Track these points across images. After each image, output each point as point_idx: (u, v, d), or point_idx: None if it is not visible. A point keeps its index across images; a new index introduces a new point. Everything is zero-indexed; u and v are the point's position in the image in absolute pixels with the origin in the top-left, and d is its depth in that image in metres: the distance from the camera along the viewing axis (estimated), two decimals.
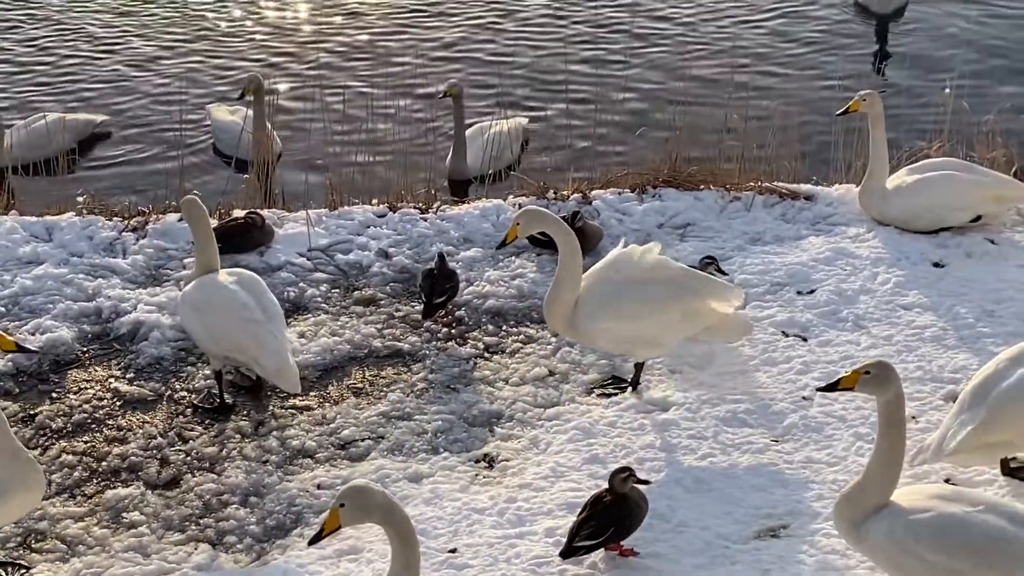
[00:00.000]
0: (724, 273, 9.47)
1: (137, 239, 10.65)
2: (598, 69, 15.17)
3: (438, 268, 9.60)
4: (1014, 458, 7.71)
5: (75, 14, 19.18)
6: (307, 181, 12.45)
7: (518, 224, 8.55)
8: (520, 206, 10.86)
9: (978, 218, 10.54)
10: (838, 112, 11.03)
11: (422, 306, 9.54)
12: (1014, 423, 7.25)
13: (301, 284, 10.15)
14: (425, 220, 10.91)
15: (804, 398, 8.56)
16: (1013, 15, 18.26)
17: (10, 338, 7.42)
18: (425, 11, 19.21)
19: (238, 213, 10.88)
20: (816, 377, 8.70)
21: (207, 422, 8.74)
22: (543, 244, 10.25)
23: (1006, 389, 7.29)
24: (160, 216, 10.98)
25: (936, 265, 10.19)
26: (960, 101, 12.46)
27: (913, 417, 8.22)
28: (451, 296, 9.61)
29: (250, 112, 13.87)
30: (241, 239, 10.40)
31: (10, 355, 9.06)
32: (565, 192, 11.27)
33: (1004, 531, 6.14)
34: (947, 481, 7.71)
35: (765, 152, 12.20)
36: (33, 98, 16.39)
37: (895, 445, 6.42)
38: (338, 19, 19.12)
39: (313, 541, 6.08)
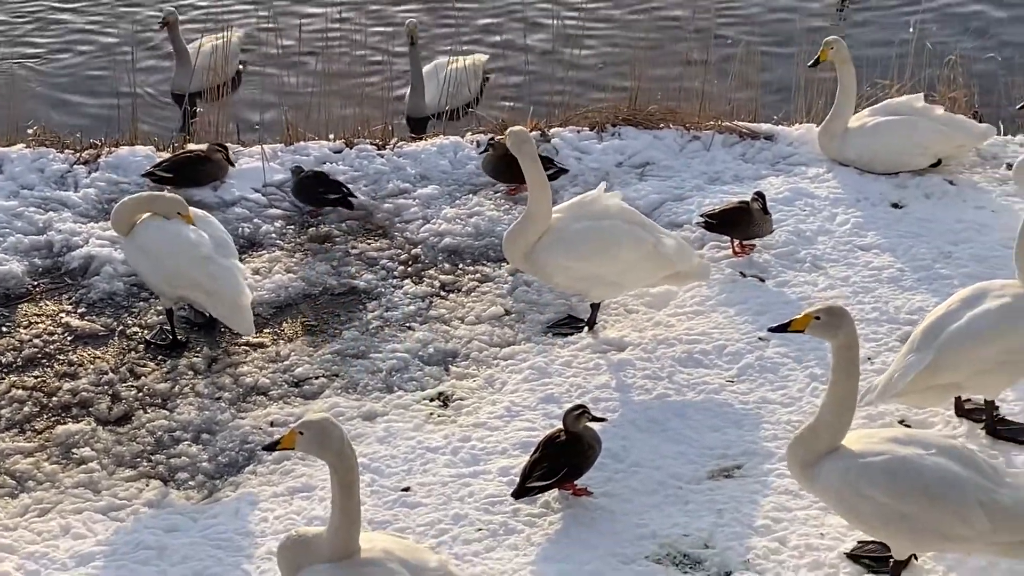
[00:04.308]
0: (768, 213, 9.38)
1: (89, 172, 10.51)
2: (558, 5, 14.98)
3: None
4: (968, 399, 7.73)
5: None
6: (263, 116, 12.31)
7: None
8: (479, 143, 10.78)
9: (938, 162, 10.51)
10: (809, 64, 10.95)
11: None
12: (962, 366, 7.23)
13: (256, 220, 10.05)
14: (382, 156, 10.79)
15: (760, 339, 8.54)
16: None
17: None
18: None
19: (192, 147, 10.74)
20: (772, 318, 8.63)
21: (159, 358, 8.67)
22: (505, 178, 10.15)
23: (955, 331, 7.25)
24: (113, 149, 10.82)
25: (895, 206, 10.16)
26: (923, 41, 12.41)
27: (869, 358, 8.21)
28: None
29: (201, 45, 13.79)
30: (194, 172, 10.27)
31: None
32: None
33: (956, 474, 6.14)
34: (902, 422, 7.72)
35: (725, 91, 12.12)
36: None
37: (848, 388, 6.39)
38: None
39: (267, 448, 6.19)
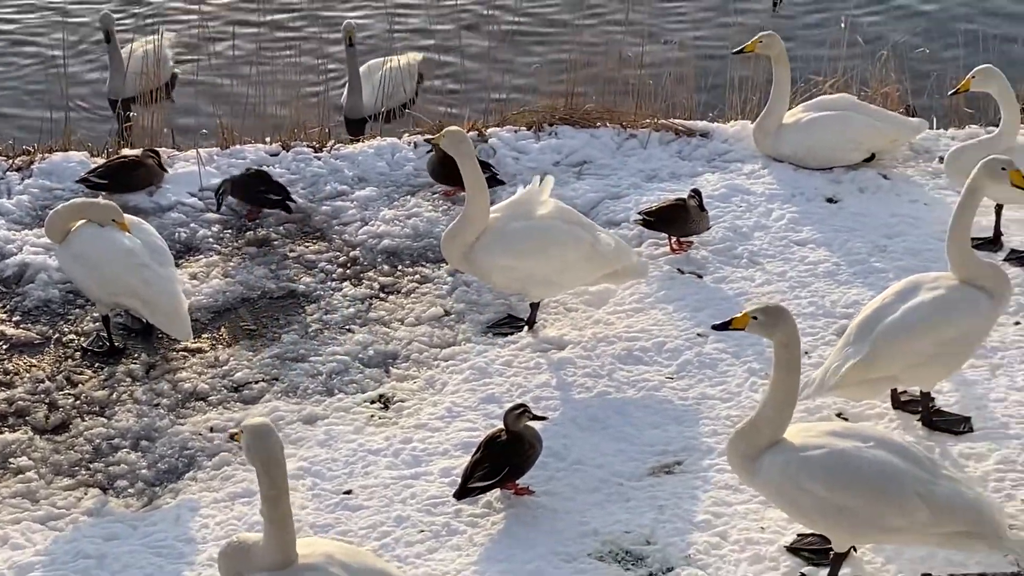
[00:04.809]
0: (705, 210, 9.42)
1: (22, 179, 10.41)
2: (494, 7, 14.97)
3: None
4: (904, 391, 7.80)
5: None
6: (198, 120, 12.23)
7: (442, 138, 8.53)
8: (416, 144, 10.77)
9: (872, 156, 10.60)
10: (734, 51, 11.01)
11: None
12: (896, 359, 7.30)
13: (192, 225, 9.99)
14: (319, 159, 10.76)
15: (699, 335, 8.58)
16: None
17: None
18: None
19: (127, 152, 10.66)
20: (711, 314, 8.71)
21: (97, 365, 8.59)
22: (449, 180, 10.12)
23: (890, 324, 7.32)
24: (46, 155, 10.72)
25: (830, 201, 10.24)
26: (855, 36, 12.52)
27: (806, 352, 8.26)
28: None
29: (132, 50, 13.70)
30: (128, 178, 10.19)
31: None
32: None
33: (894, 466, 6.20)
34: (839, 416, 7.79)
35: (661, 89, 12.17)
36: None
37: (789, 384, 6.43)
38: None
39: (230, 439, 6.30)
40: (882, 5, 16.02)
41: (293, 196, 10.08)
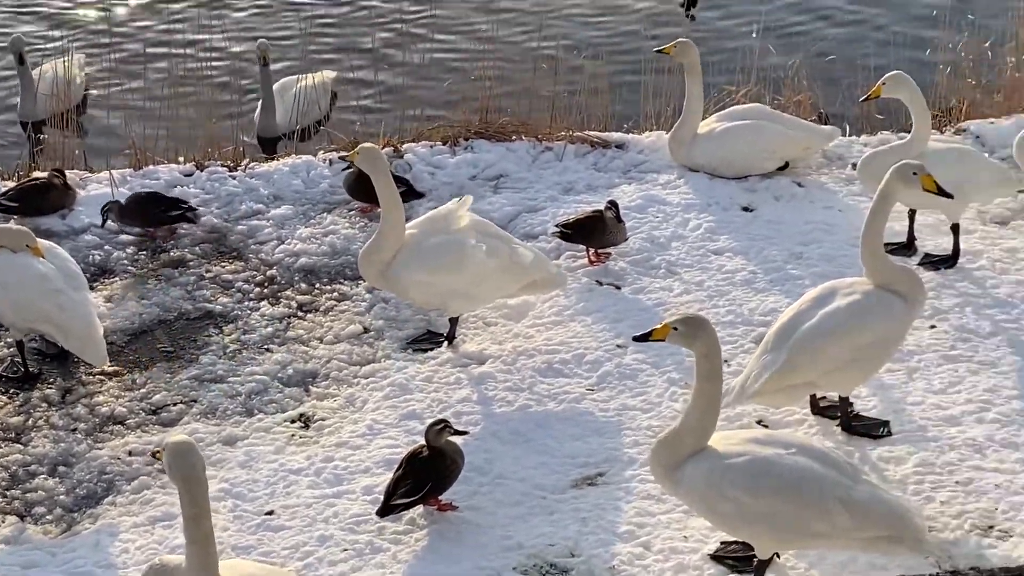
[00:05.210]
0: (622, 221, 9.45)
1: None
2: (405, 19, 14.91)
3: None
4: (823, 397, 7.87)
5: None
6: (110, 140, 12.09)
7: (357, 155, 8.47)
8: (331, 162, 10.73)
9: (786, 165, 10.69)
10: (655, 49, 11.03)
11: None
12: (814, 365, 7.35)
13: (106, 247, 9.87)
14: (234, 178, 10.66)
15: (618, 346, 8.61)
16: None
17: None
18: None
19: (38, 174, 10.52)
20: (630, 325, 8.73)
21: (11, 391, 8.46)
22: (363, 197, 10.06)
23: (807, 330, 7.37)
24: None
25: (746, 209, 10.31)
26: (767, 45, 12.63)
27: (726, 361, 8.25)
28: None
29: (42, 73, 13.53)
30: (39, 200, 10.05)
31: None
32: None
33: (815, 472, 6.25)
34: (760, 423, 7.83)
35: (576, 101, 12.20)
36: None
37: (711, 392, 6.45)
38: None
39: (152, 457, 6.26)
40: (794, 15, 16.17)
41: (207, 214, 9.97)
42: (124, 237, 9.95)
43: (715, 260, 9.57)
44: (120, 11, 16.67)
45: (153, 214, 9.92)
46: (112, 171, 10.65)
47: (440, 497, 7.17)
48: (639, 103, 12.36)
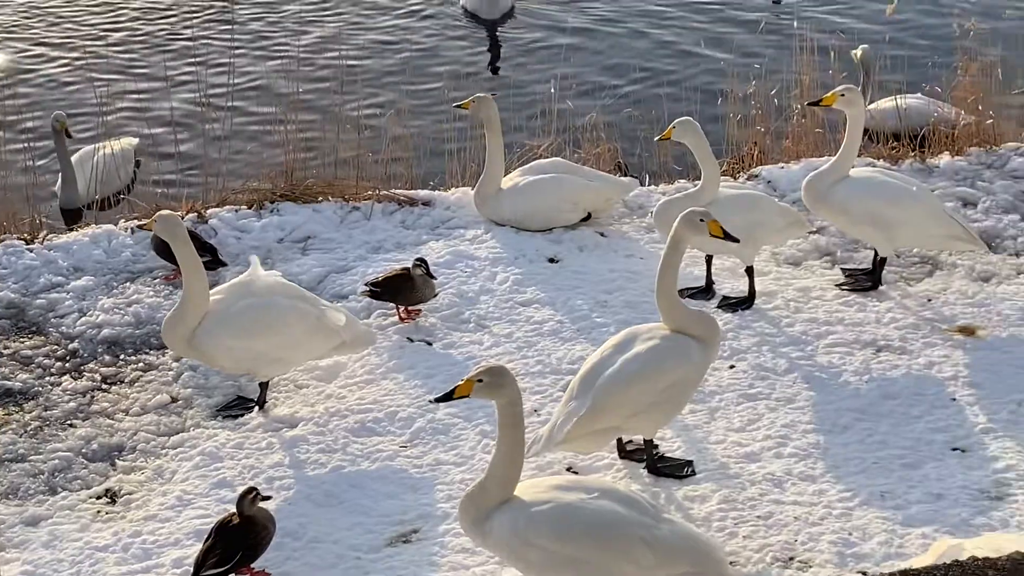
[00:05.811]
0: (433, 277, 9.49)
1: None
2: (200, 83, 14.75)
3: None
4: (630, 441, 8.00)
5: None
6: None
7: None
8: (132, 230, 10.59)
9: (588, 216, 10.88)
10: (455, 104, 11.13)
11: None
12: (618, 409, 7.48)
13: None
14: (31, 251, 10.44)
15: (430, 402, 8.63)
16: (610, 17, 18.90)
17: None
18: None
19: None
20: (442, 380, 8.78)
21: None
22: (172, 259, 9.90)
23: (608, 377, 7.50)
24: None
25: (551, 260, 10.46)
26: (565, 100, 12.85)
27: (535, 410, 8.42)
28: None
29: None
30: None
31: None
32: (180, 213, 10.99)
33: (618, 515, 6.35)
34: (569, 469, 7.93)
35: (381, 160, 12.26)
36: None
37: (514, 443, 6.53)
38: None
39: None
40: (594, 74, 16.47)
41: (2, 288, 9.75)
42: None
43: (523, 312, 9.68)
44: None
45: None
46: None
47: (252, 565, 7.10)
48: (444, 160, 12.47)
